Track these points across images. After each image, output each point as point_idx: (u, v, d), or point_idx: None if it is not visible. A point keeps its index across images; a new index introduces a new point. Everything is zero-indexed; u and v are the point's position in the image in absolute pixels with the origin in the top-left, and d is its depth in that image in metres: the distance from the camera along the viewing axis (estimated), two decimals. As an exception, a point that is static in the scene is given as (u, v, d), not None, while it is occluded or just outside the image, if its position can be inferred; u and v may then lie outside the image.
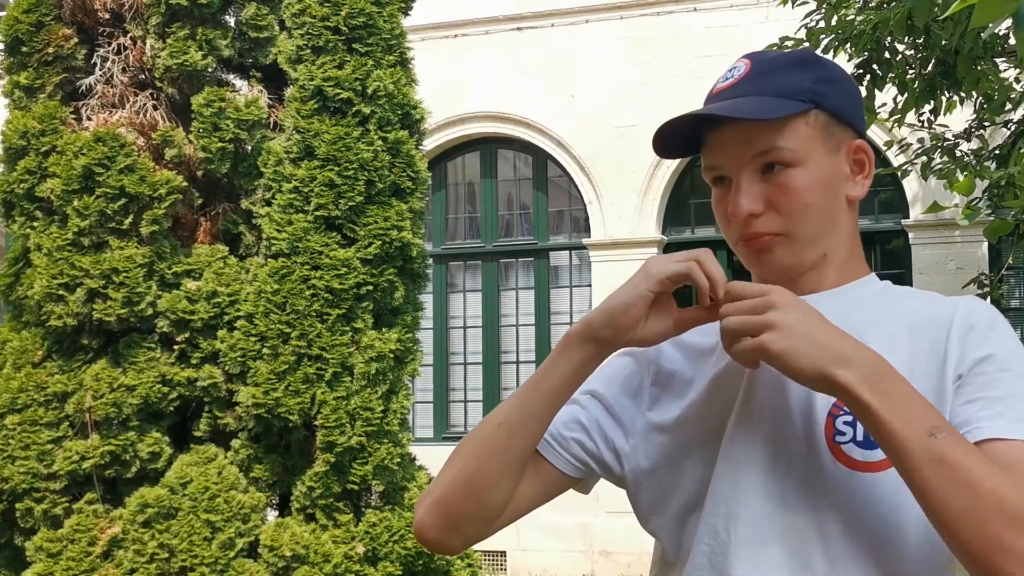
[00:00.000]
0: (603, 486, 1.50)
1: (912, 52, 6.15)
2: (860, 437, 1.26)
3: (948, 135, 6.66)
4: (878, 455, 1.23)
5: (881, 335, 1.29)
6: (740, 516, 1.29)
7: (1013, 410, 1.21)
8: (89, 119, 4.83)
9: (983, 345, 1.26)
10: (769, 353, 1.19)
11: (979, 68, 5.81)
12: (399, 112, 4.91)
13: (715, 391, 1.36)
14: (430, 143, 9.79)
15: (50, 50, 4.82)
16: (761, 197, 1.32)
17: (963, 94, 6.28)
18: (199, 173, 4.84)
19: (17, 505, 4.48)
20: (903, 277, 9.00)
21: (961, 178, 5.81)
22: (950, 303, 1.33)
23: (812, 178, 1.32)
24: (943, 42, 5.59)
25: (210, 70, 4.87)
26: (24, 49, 4.85)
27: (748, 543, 1.28)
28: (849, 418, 1.26)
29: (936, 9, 4.83)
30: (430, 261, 5.41)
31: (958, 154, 6.46)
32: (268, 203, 4.78)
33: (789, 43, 6.11)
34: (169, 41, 4.79)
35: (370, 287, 4.68)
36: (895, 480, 1.21)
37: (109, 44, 4.92)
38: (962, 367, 1.25)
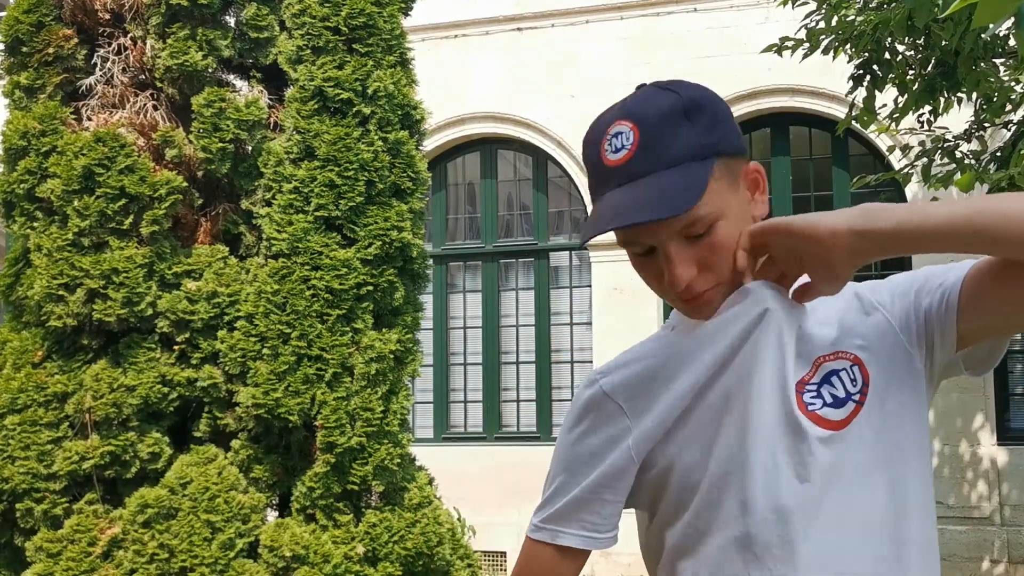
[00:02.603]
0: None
1: (912, 53, 6.15)
2: (829, 399, 1.38)
3: (948, 136, 6.66)
4: (846, 411, 1.38)
5: (817, 313, 1.45)
6: (759, 497, 1.36)
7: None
8: (89, 119, 4.83)
9: (896, 288, 1.44)
10: (792, 228, 1.33)
11: (979, 69, 5.81)
12: (399, 112, 4.91)
13: (690, 377, 1.43)
14: (430, 143, 9.79)
15: (50, 50, 4.82)
16: (694, 260, 1.37)
17: (963, 95, 6.28)
18: (199, 173, 4.84)
19: (17, 505, 4.48)
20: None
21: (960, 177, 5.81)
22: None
23: (732, 225, 1.37)
24: (943, 43, 5.58)
25: (210, 70, 4.87)
26: (24, 49, 4.85)
27: (776, 515, 1.36)
28: (813, 390, 1.39)
29: (936, 10, 4.83)
30: (430, 261, 5.42)
31: (958, 155, 6.46)
32: (268, 203, 4.78)
33: (789, 43, 6.10)
34: (169, 41, 4.79)
35: (370, 287, 4.68)
36: (864, 425, 1.38)
37: (109, 44, 4.92)
38: (906, 311, 1.42)
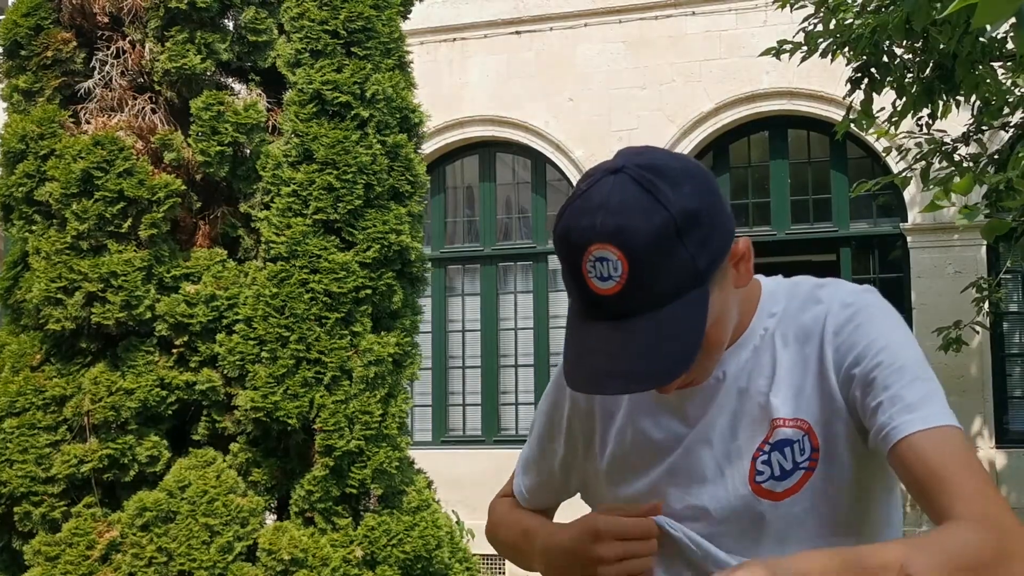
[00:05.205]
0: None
1: (910, 56, 6.16)
2: (777, 472, 1.33)
3: (946, 139, 6.67)
4: (792, 481, 1.33)
5: (782, 376, 1.36)
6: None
7: (903, 401, 1.27)
8: (88, 122, 4.83)
9: (855, 351, 1.32)
10: None
11: (977, 71, 5.81)
12: (398, 116, 4.91)
13: (634, 446, 1.42)
14: (429, 147, 9.79)
15: (49, 54, 4.82)
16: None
17: (961, 98, 6.28)
18: (198, 176, 4.84)
19: (15, 509, 4.48)
20: (901, 281, 9.00)
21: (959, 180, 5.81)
22: (822, 309, 1.36)
23: (721, 323, 1.28)
24: (941, 45, 5.59)
25: (209, 73, 4.87)
26: (23, 53, 4.85)
27: None
28: (766, 456, 1.34)
29: (934, 12, 4.83)
30: (428, 265, 5.41)
31: (957, 158, 6.47)
32: (267, 206, 4.78)
33: (788, 46, 6.11)
34: (168, 44, 4.79)
35: (369, 291, 4.68)
36: (807, 496, 1.33)
37: (108, 48, 4.91)
38: (847, 383, 1.32)
